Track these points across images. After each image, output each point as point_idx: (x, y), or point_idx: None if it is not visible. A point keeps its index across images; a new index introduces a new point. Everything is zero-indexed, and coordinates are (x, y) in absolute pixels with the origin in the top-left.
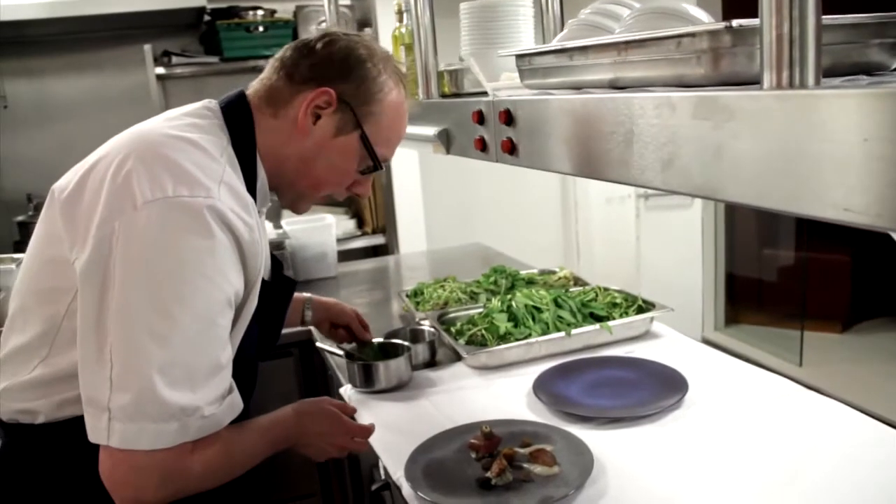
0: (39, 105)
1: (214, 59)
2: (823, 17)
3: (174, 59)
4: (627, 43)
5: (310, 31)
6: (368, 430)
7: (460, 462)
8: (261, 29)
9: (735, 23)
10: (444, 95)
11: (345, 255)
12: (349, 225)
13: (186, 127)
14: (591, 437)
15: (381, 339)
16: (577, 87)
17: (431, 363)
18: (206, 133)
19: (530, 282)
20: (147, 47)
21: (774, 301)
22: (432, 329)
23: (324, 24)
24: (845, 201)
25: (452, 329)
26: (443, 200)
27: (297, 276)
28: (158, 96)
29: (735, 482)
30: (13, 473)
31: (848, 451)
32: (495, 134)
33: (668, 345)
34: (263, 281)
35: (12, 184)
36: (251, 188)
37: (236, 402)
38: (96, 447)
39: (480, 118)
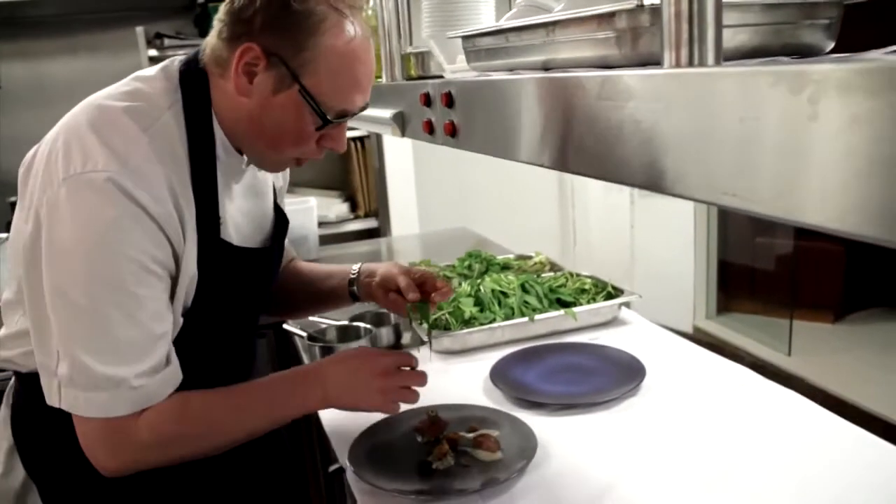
0: (34, 87)
1: None
2: None
3: (166, 42)
4: (552, 24)
5: None
6: (415, 376)
7: (405, 446)
8: None
9: (648, 1)
10: (410, 78)
11: (338, 238)
12: (342, 208)
13: (125, 94)
14: (542, 423)
15: (344, 322)
16: (514, 69)
17: (396, 346)
18: (143, 101)
19: (505, 266)
20: (139, 29)
21: (766, 290)
22: None
23: None
24: (730, 185)
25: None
26: (438, 184)
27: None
28: None
29: (676, 471)
30: (23, 418)
31: (796, 442)
32: (440, 116)
33: (634, 332)
34: (233, 247)
35: (7, 164)
36: (209, 150)
37: (173, 375)
38: None
39: (427, 100)
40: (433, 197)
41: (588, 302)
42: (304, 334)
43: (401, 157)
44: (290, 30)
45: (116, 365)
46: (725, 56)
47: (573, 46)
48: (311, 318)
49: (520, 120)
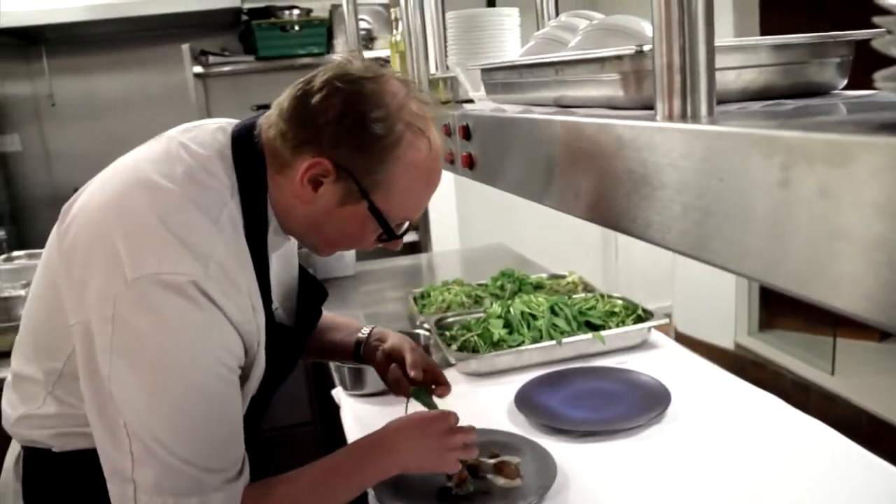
0: (85, 102)
1: (250, 59)
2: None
3: (211, 59)
4: (560, 63)
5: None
6: (467, 432)
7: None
8: (296, 28)
9: (646, 47)
10: (441, 103)
11: (377, 253)
12: None
13: (182, 176)
14: (564, 449)
15: None
16: (529, 104)
17: None
18: (207, 188)
19: (538, 286)
20: (185, 47)
21: (810, 306)
22: (427, 333)
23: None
24: (711, 243)
25: (448, 334)
26: (479, 200)
27: (316, 274)
28: (198, 94)
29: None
30: (36, 494)
31: (823, 478)
32: (459, 148)
33: (663, 356)
34: (285, 328)
35: (61, 178)
36: (261, 236)
37: (248, 470)
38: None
39: (448, 131)
40: (474, 212)
41: (618, 325)
42: None
43: (443, 172)
44: (365, 149)
45: (208, 467)
46: (731, 98)
47: (580, 86)
48: None
49: (524, 158)
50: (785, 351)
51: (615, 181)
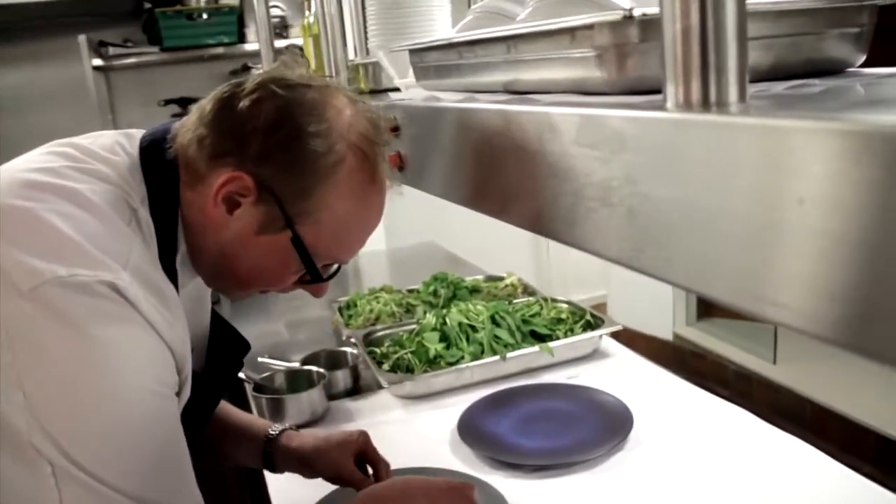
0: None
1: (154, 50)
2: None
3: (111, 51)
4: (515, 38)
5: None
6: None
7: None
8: (204, 16)
9: (638, 11)
10: (360, 92)
11: None
12: None
13: (72, 172)
14: (516, 487)
15: (295, 365)
16: (471, 90)
17: (354, 391)
18: (109, 184)
19: (474, 290)
20: (82, 37)
21: None
22: (355, 352)
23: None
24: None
25: (378, 350)
26: (405, 195)
27: None
28: (99, 89)
29: None
30: None
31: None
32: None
33: (616, 367)
34: (199, 375)
35: None
36: (170, 260)
37: None
38: None
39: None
40: (398, 207)
41: (566, 333)
42: (251, 382)
43: None
44: (296, 168)
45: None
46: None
47: (540, 66)
48: (259, 360)
49: (469, 160)
50: (725, 340)
51: (609, 196)
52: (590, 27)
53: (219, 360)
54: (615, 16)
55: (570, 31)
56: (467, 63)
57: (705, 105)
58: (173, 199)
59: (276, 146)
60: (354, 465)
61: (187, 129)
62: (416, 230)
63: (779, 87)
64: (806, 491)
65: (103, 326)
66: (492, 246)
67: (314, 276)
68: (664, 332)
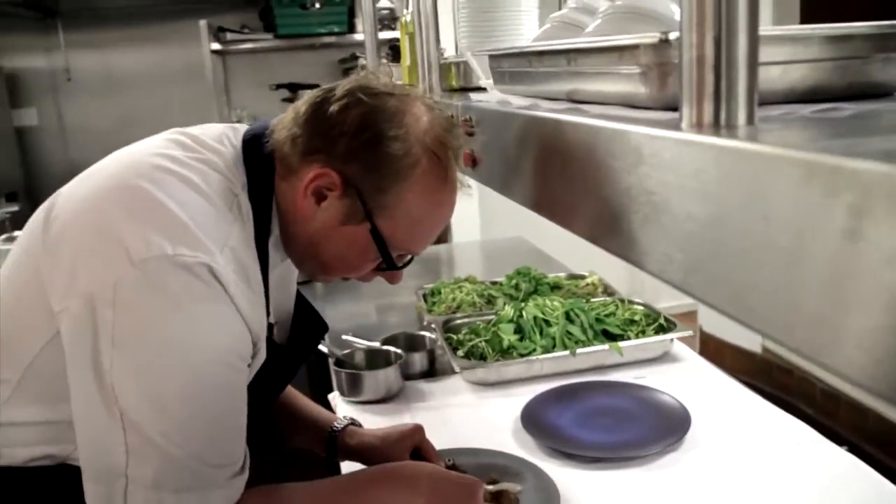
0: (102, 77)
1: (269, 36)
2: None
3: (229, 36)
4: (574, 52)
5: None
6: None
7: None
8: (317, 6)
9: (673, 35)
10: (451, 89)
11: None
12: None
13: (189, 161)
14: (570, 476)
15: (375, 344)
16: (539, 97)
17: (430, 373)
18: (215, 171)
19: (555, 286)
20: (202, 23)
21: None
22: (434, 336)
23: (362, 61)
24: (738, 295)
25: (455, 337)
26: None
27: None
28: (216, 71)
29: None
30: None
31: None
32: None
33: (685, 371)
34: (274, 344)
35: (76, 153)
36: (264, 242)
37: (248, 468)
38: (65, 500)
39: None
40: (496, 203)
41: (637, 335)
42: (333, 357)
43: None
44: (377, 168)
45: (212, 462)
46: (774, 99)
47: (595, 79)
48: (343, 337)
49: (526, 161)
50: None
51: (628, 203)
52: (635, 47)
53: (300, 335)
54: (653, 38)
55: (619, 49)
56: (536, 71)
57: (716, 126)
58: (269, 188)
59: (360, 147)
60: (408, 457)
61: (283, 126)
62: (511, 224)
63: (806, 109)
64: None
65: (195, 303)
66: (585, 246)
67: (389, 265)
68: (753, 344)
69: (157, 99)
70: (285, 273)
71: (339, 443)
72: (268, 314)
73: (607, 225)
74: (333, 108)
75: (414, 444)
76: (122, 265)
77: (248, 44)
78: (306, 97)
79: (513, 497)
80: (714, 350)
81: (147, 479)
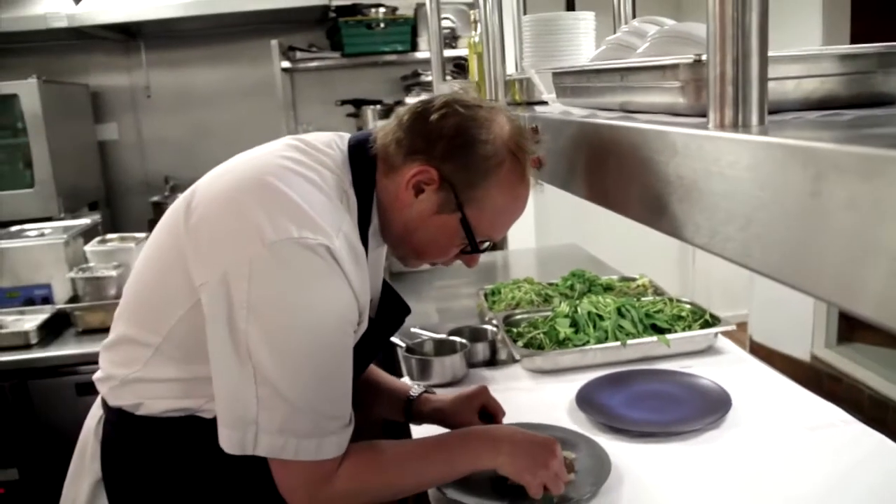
0: (179, 94)
1: (336, 55)
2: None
3: (298, 55)
4: (625, 70)
5: (440, 90)
6: (565, 469)
7: None
8: (381, 26)
9: (705, 56)
10: (515, 103)
11: None
12: None
13: (307, 161)
14: (619, 448)
15: (442, 336)
16: (596, 108)
17: (491, 362)
18: (328, 171)
19: (608, 287)
20: (274, 42)
21: None
22: (495, 329)
23: (453, 86)
24: (751, 249)
25: (515, 330)
26: (556, 199)
27: (391, 267)
28: (285, 88)
29: None
30: (114, 455)
31: (886, 496)
32: None
33: (728, 363)
34: (372, 320)
35: (153, 165)
36: (364, 231)
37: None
38: (194, 446)
39: None
40: (551, 212)
41: (684, 329)
42: (403, 345)
43: None
44: (469, 167)
45: (328, 413)
46: (792, 107)
47: (643, 92)
48: (412, 330)
49: (585, 160)
50: (863, 365)
51: (668, 186)
52: (675, 66)
53: (387, 313)
54: (689, 59)
55: (662, 68)
56: (593, 86)
57: (735, 127)
58: (371, 184)
59: (456, 149)
60: (477, 416)
61: (387, 132)
62: (565, 233)
63: (812, 115)
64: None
65: (316, 278)
66: (636, 252)
67: (473, 248)
68: (802, 352)
69: (229, 114)
70: (378, 258)
71: (415, 409)
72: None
73: (651, 206)
74: (434, 116)
75: (481, 404)
76: (256, 245)
77: (315, 62)
78: (408, 107)
79: (569, 462)
80: (764, 358)
81: (274, 426)
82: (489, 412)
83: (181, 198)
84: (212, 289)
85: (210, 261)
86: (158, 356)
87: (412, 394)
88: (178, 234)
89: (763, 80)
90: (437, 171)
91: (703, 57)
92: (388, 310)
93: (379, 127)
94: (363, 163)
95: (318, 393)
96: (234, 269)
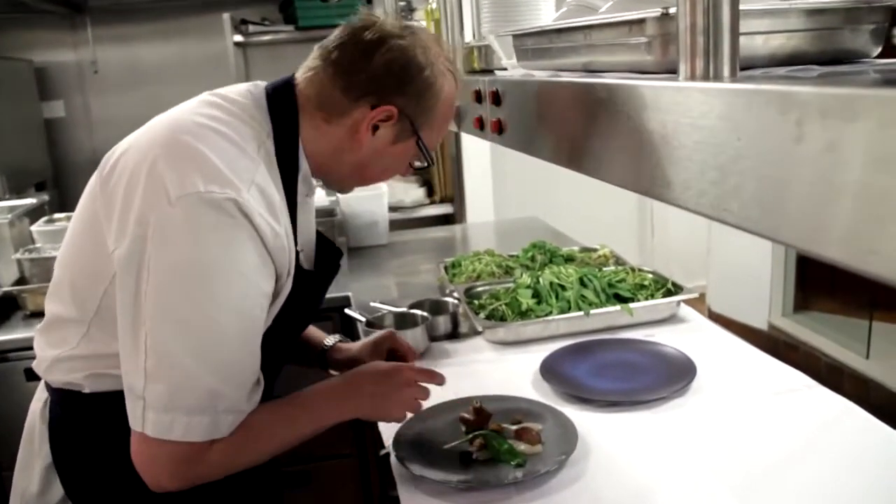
0: (127, 70)
1: (289, 28)
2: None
3: (251, 28)
4: (588, 28)
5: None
6: (432, 374)
7: (450, 435)
8: None
9: (672, 10)
10: (473, 71)
11: (413, 223)
12: (419, 193)
13: (222, 116)
14: (586, 418)
15: (403, 309)
16: (559, 70)
17: (453, 335)
18: (244, 123)
19: (569, 259)
20: (225, 16)
21: (846, 288)
22: (456, 301)
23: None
24: (723, 201)
25: (476, 302)
26: (514, 172)
27: (349, 242)
28: (237, 63)
29: (714, 476)
30: (63, 437)
31: (842, 456)
32: (489, 113)
33: (691, 330)
34: (303, 270)
35: (102, 143)
36: (292, 179)
37: (258, 398)
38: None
39: (478, 97)
40: (509, 185)
41: (647, 298)
42: (364, 319)
43: (478, 144)
44: (420, 94)
45: (225, 388)
46: (759, 63)
47: (608, 51)
48: (371, 304)
49: (551, 121)
50: (819, 333)
51: (637, 142)
52: (641, 20)
53: (322, 261)
54: (656, 13)
55: (628, 24)
56: (555, 47)
57: (706, 78)
58: (293, 131)
59: (406, 83)
60: (386, 359)
61: (310, 74)
62: (523, 206)
63: (781, 70)
64: (853, 452)
65: (218, 234)
66: (597, 228)
67: (430, 162)
68: (760, 321)
69: (180, 90)
70: (309, 207)
71: (330, 357)
72: (295, 242)
73: (619, 164)
74: (376, 54)
75: (388, 348)
76: (162, 203)
77: (268, 35)
78: (334, 46)
79: (535, 433)
80: (722, 328)
81: (161, 402)
82: (398, 356)
83: (100, 165)
84: (122, 254)
85: (121, 225)
86: (93, 332)
87: (327, 343)
88: (95, 203)
89: (735, 30)
90: (396, 107)
91: (672, 10)
92: (323, 258)
93: (301, 70)
94: (284, 109)
95: (214, 364)
96: (140, 231)
